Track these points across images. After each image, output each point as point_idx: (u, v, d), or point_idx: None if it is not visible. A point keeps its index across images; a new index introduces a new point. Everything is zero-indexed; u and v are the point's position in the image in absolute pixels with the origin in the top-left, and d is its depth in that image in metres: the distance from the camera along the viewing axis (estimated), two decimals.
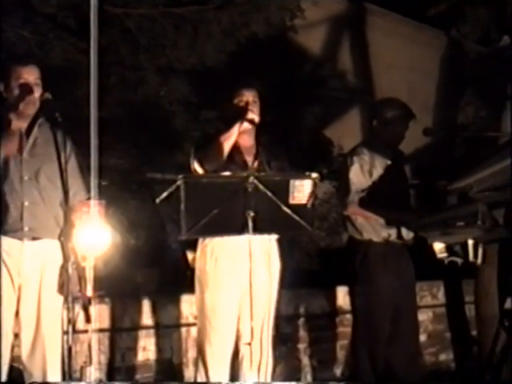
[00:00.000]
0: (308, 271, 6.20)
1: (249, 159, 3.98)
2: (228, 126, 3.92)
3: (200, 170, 3.88)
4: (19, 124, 3.78)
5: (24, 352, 3.77)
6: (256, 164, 3.95)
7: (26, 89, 3.71)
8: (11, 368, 3.86)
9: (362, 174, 4.54)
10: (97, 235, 4.07)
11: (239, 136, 3.93)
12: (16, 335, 3.79)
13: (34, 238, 3.76)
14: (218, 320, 3.86)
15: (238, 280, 3.84)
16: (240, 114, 3.89)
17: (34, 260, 3.75)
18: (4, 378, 3.75)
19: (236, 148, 3.95)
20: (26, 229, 3.73)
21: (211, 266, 3.88)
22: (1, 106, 3.81)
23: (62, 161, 3.72)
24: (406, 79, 7.67)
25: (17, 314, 3.74)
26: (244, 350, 3.86)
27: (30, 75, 3.74)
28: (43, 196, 3.75)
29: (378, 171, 4.56)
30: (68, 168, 3.80)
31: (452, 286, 5.86)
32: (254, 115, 3.90)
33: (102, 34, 5.06)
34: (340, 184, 4.68)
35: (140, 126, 6.07)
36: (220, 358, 3.87)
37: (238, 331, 3.91)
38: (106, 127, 5.76)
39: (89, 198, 3.95)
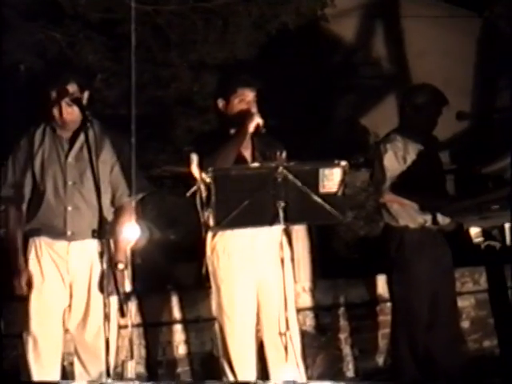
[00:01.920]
0: (347, 260, 6.19)
1: (246, 153, 3.91)
2: (226, 125, 3.88)
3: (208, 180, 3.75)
4: (65, 133, 3.85)
5: (77, 349, 3.84)
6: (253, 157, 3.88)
7: (61, 111, 3.75)
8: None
9: (397, 160, 4.51)
10: (135, 232, 4.13)
11: None
12: (66, 331, 3.87)
13: (79, 239, 3.81)
14: (237, 314, 3.85)
15: (253, 273, 3.86)
16: (245, 119, 3.80)
17: (81, 259, 3.81)
18: (58, 375, 3.83)
19: None
20: (69, 233, 3.80)
21: (224, 262, 3.87)
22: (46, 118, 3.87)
23: (110, 161, 3.81)
24: (441, 64, 7.56)
25: (69, 311, 3.81)
26: (269, 342, 3.86)
27: (63, 97, 3.74)
28: (87, 199, 3.78)
29: (411, 157, 4.51)
30: (115, 168, 3.87)
31: (494, 272, 5.77)
32: (259, 119, 3.79)
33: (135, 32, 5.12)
34: (374, 172, 4.64)
35: (174, 122, 6.11)
36: (243, 353, 3.86)
37: (259, 324, 3.91)
38: (141, 125, 5.84)
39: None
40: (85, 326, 3.80)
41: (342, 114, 7.19)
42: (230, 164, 3.74)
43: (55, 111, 3.76)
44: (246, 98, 3.87)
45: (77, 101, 3.71)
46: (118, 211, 3.87)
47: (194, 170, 3.85)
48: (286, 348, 3.56)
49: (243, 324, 3.86)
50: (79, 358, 3.83)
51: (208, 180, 3.67)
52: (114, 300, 3.64)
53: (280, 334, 3.59)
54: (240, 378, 3.86)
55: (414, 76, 7.35)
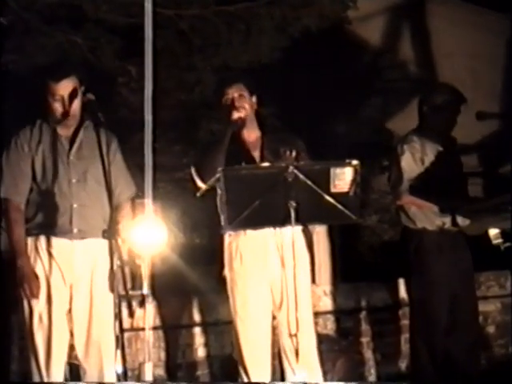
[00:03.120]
0: (370, 264, 6.14)
1: (255, 154, 3.91)
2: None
3: (203, 186, 3.82)
4: (66, 128, 3.84)
5: (79, 350, 3.82)
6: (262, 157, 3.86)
7: (63, 104, 3.75)
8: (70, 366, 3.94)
9: (414, 162, 4.47)
10: (151, 234, 4.13)
11: (242, 132, 3.90)
12: (72, 334, 3.84)
13: (84, 237, 3.81)
14: (250, 316, 3.83)
15: (266, 275, 3.83)
16: (227, 116, 3.84)
17: (84, 259, 3.80)
18: (62, 376, 3.81)
19: (242, 144, 3.91)
20: (75, 230, 3.79)
21: (237, 264, 3.86)
22: (44, 114, 3.87)
23: (107, 161, 3.75)
24: (469, 67, 7.47)
25: (69, 312, 3.79)
26: (284, 343, 3.82)
27: (65, 90, 3.75)
28: (91, 197, 3.80)
29: (429, 158, 4.47)
30: (113, 167, 3.84)
31: None
32: (238, 114, 3.82)
33: (157, 37, 5.14)
34: (392, 174, 4.60)
35: (198, 125, 6.11)
36: (257, 355, 3.83)
37: (276, 327, 3.88)
38: (165, 129, 5.85)
39: (137, 197, 4.03)
40: (89, 329, 3.77)
41: (367, 117, 7.14)
42: (221, 164, 3.70)
43: (59, 107, 3.75)
44: (229, 96, 3.89)
45: (88, 102, 3.72)
46: (116, 210, 3.82)
47: (196, 180, 3.89)
48: (296, 350, 3.53)
49: (256, 326, 3.84)
50: (86, 360, 3.80)
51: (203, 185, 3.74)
52: (110, 303, 3.53)
53: (290, 335, 3.56)
54: (254, 379, 3.83)
55: (442, 78, 7.23)
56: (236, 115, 3.83)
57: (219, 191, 3.62)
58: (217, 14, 5.92)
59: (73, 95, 3.74)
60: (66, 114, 3.76)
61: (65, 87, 3.75)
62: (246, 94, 3.90)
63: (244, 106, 3.87)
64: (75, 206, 3.78)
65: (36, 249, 3.78)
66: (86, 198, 3.80)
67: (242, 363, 3.86)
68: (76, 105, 3.76)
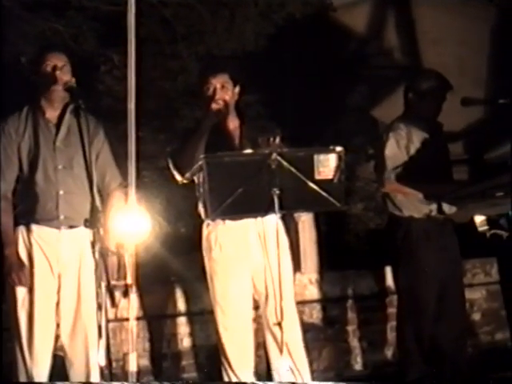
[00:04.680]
0: (356, 251, 6.12)
1: (234, 143, 3.86)
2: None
3: (180, 178, 3.79)
4: (52, 113, 3.79)
5: (65, 341, 3.77)
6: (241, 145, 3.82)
7: (55, 73, 3.71)
8: (55, 357, 3.89)
9: (399, 149, 4.43)
10: (134, 223, 4.07)
11: (221, 121, 3.84)
12: (58, 325, 3.78)
13: (71, 226, 3.76)
14: (230, 306, 3.79)
15: (247, 264, 3.79)
16: (206, 107, 3.79)
17: (72, 248, 3.75)
18: (48, 367, 3.75)
19: (221, 133, 3.85)
20: (61, 217, 3.73)
21: (217, 254, 3.82)
22: (34, 95, 3.82)
23: (95, 148, 3.74)
24: (455, 54, 7.44)
25: (57, 303, 3.74)
26: (268, 333, 3.79)
27: (58, 60, 3.74)
28: (78, 184, 3.73)
29: (415, 145, 4.43)
30: (101, 155, 3.83)
31: (505, 262, 5.66)
32: (217, 106, 3.76)
33: (140, 25, 5.09)
34: (377, 161, 4.57)
35: (181, 114, 6.07)
36: (239, 345, 3.79)
37: (259, 316, 3.85)
38: (149, 117, 5.80)
39: (125, 186, 3.97)
40: (76, 320, 3.73)
41: (352, 105, 7.11)
42: (199, 155, 3.60)
43: (52, 72, 3.71)
44: (211, 86, 3.83)
45: (70, 87, 3.67)
46: (107, 197, 3.82)
47: (172, 170, 3.84)
48: (281, 339, 3.50)
49: (237, 316, 3.81)
50: (71, 351, 3.76)
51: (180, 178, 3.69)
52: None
53: (274, 324, 3.54)
54: (236, 370, 3.79)
55: (427, 65, 7.18)
56: (215, 107, 3.77)
57: (197, 180, 3.59)
58: (201, 0, 5.88)
59: (63, 66, 3.73)
60: (54, 83, 3.70)
61: (59, 58, 3.75)
62: (229, 86, 3.85)
63: (224, 97, 3.81)
64: (61, 192, 3.73)
65: (22, 237, 3.73)
66: (73, 184, 3.75)
67: (223, 354, 3.82)
68: (66, 78, 3.71)
